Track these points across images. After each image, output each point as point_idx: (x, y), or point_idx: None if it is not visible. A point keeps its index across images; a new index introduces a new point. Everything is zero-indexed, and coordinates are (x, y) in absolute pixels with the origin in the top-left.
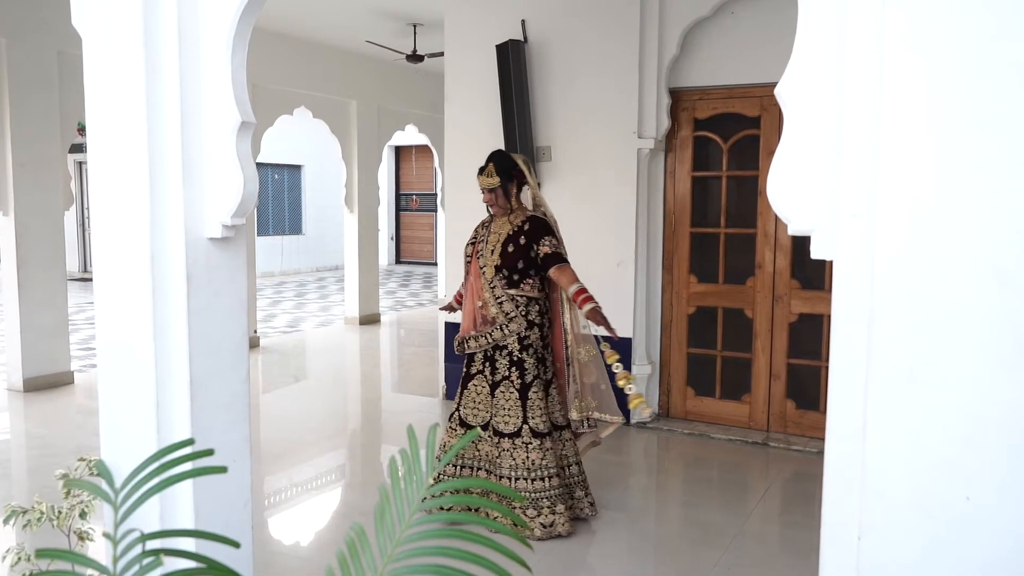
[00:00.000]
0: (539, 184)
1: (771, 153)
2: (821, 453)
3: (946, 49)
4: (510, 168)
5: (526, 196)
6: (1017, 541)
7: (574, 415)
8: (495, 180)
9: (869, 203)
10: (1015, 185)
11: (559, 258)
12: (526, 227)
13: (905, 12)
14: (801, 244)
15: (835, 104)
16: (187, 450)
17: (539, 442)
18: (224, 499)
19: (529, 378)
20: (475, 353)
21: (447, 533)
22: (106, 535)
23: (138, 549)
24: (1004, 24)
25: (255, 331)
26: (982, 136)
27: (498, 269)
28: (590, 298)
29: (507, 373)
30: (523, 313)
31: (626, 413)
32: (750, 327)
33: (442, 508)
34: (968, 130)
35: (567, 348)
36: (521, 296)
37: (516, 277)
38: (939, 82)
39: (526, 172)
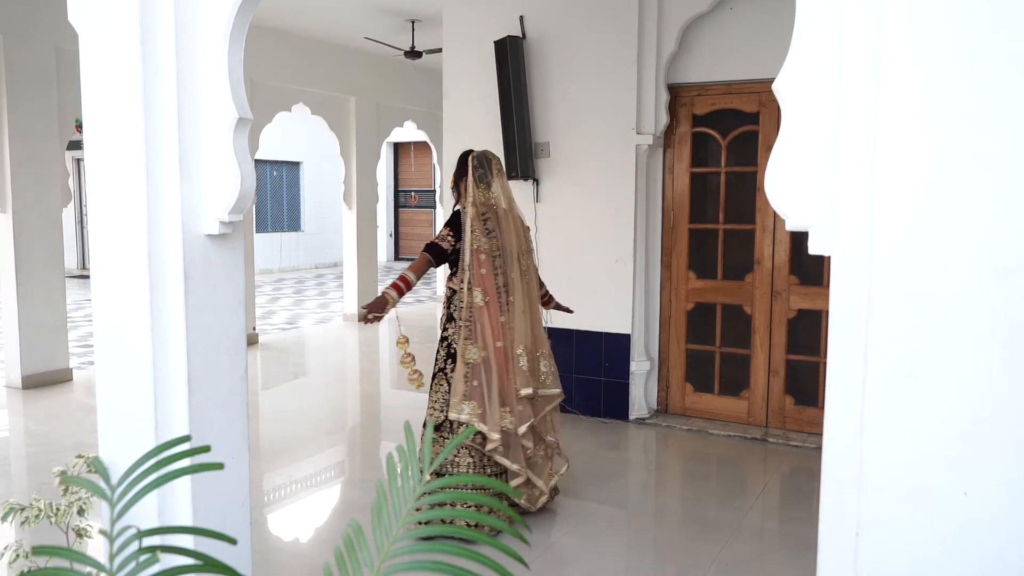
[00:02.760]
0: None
1: (770, 149)
2: (820, 449)
3: (944, 43)
4: (461, 167)
5: (497, 191)
6: (1015, 536)
7: (452, 414)
8: (452, 180)
9: (867, 198)
10: (1014, 180)
11: (424, 247)
12: None
13: (903, 6)
14: (800, 240)
15: (833, 99)
16: (184, 447)
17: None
18: (222, 496)
19: (435, 369)
20: None
21: (444, 531)
22: (103, 532)
23: (135, 546)
24: (1002, 18)
25: (254, 328)
26: (980, 131)
27: None
28: (393, 283)
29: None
30: (446, 305)
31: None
32: (749, 323)
33: (441, 504)
34: (966, 125)
35: (452, 345)
36: (447, 288)
37: (449, 271)
38: (937, 77)
39: (470, 168)
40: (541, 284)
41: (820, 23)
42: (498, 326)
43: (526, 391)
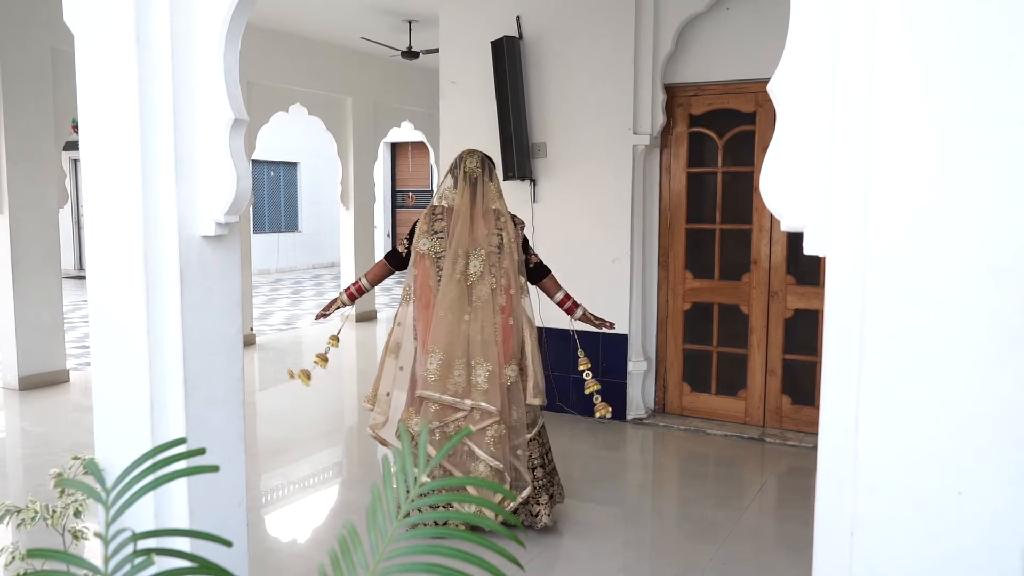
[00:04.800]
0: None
1: (766, 148)
2: (816, 448)
3: (939, 44)
4: None
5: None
6: (1009, 535)
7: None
8: None
9: (861, 199)
10: (1008, 180)
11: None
12: None
13: (897, 7)
14: (796, 239)
15: (828, 100)
16: (180, 449)
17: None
18: (219, 497)
19: None
20: None
21: (439, 532)
22: (97, 535)
23: (130, 548)
24: (998, 18)
25: (251, 328)
26: (975, 130)
27: None
28: (347, 288)
29: None
30: None
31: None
32: (746, 323)
33: (432, 507)
34: (961, 124)
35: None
36: None
37: None
38: (931, 77)
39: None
40: (558, 288)
41: (815, 23)
42: (426, 327)
43: (420, 393)
